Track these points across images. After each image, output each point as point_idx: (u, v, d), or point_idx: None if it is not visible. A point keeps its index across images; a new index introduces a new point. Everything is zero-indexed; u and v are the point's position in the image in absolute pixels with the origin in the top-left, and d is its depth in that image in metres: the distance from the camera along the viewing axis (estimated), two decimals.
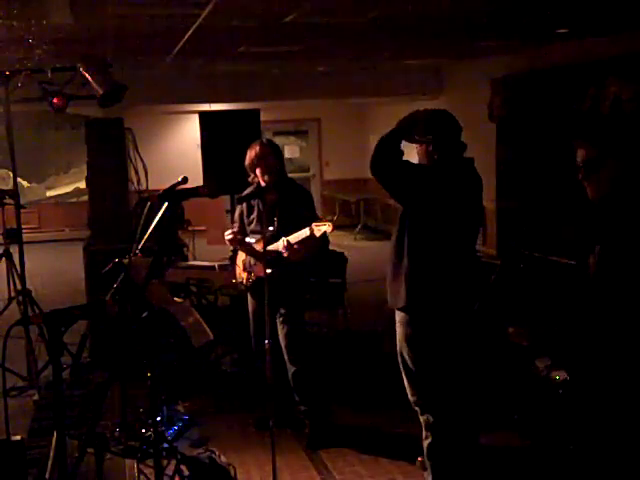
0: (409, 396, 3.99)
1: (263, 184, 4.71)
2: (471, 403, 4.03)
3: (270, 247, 4.49)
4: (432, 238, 3.75)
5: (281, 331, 4.73)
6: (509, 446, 4.58)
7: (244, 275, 4.91)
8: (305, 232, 4.34)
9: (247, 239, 4.82)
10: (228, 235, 4.83)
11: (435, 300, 3.78)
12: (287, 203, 4.66)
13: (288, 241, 4.44)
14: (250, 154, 4.74)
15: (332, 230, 4.29)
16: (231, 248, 5.21)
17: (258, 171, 4.71)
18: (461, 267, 3.83)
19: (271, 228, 4.56)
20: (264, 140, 4.90)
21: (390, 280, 3.89)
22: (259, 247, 4.61)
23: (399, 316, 3.90)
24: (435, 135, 3.76)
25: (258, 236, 4.66)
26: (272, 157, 4.72)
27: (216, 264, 5.97)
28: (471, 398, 4.04)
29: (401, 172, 3.71)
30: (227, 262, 5.96)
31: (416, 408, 3.99)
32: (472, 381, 4.05)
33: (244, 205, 4.88)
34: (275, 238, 4.52)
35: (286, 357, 4.75)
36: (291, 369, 4.76)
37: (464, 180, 3.80)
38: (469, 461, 3.97)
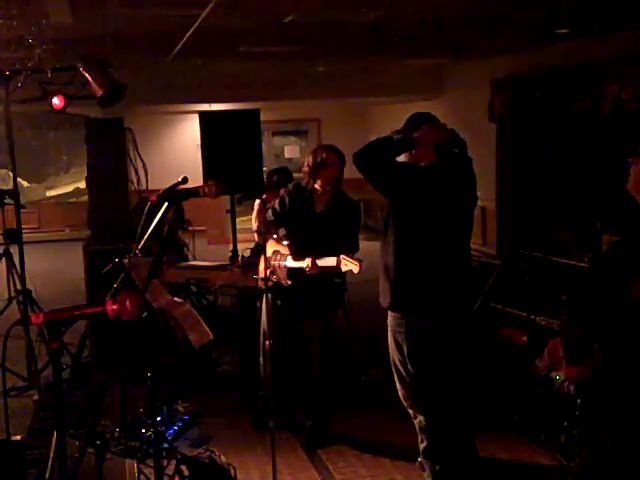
0: (402, 399, 3.99)
1: (320, 190, 4.57)
2: (464, 404, 4.00)
3: (295, 262, 4.45)
4: (417, 237, 3.73)
5: (312, 353, 4.65)
6: (508, 446, 4.59)
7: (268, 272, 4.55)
8: (332, 262, 4.25)
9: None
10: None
11: (420, 299, 3.74)
12: (332, 217, 4.56)
13: (314, 262, 4.34)
14: (315, 158, 4.50)
15: (359, 272, 4.18)
16: (231, 248, 5.20)
17: (319, 178, 4.51)
18: (448, 267, 3.76)
19: (284, 239, 4.51)
20: (332, 146, 4.64)
21: (380, 279, 3.89)
22: (286, 253, 4.54)
23: (388, 318, 3.89)
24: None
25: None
26: (339, 167, 4.52)
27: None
28: (464, 399, 4.00)
29: (389, 172, 3.68)
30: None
31: (410, 411, 3.99)
32: (465, 382, 4.02)
33: (287, 203, 4.64)
34: (306, 247, 4.43)
35: (312, 369, 4.69)
36: (309, 377, 4.73)
37: (453, 179, 3.74)
38: (467, 461, 3.96)
